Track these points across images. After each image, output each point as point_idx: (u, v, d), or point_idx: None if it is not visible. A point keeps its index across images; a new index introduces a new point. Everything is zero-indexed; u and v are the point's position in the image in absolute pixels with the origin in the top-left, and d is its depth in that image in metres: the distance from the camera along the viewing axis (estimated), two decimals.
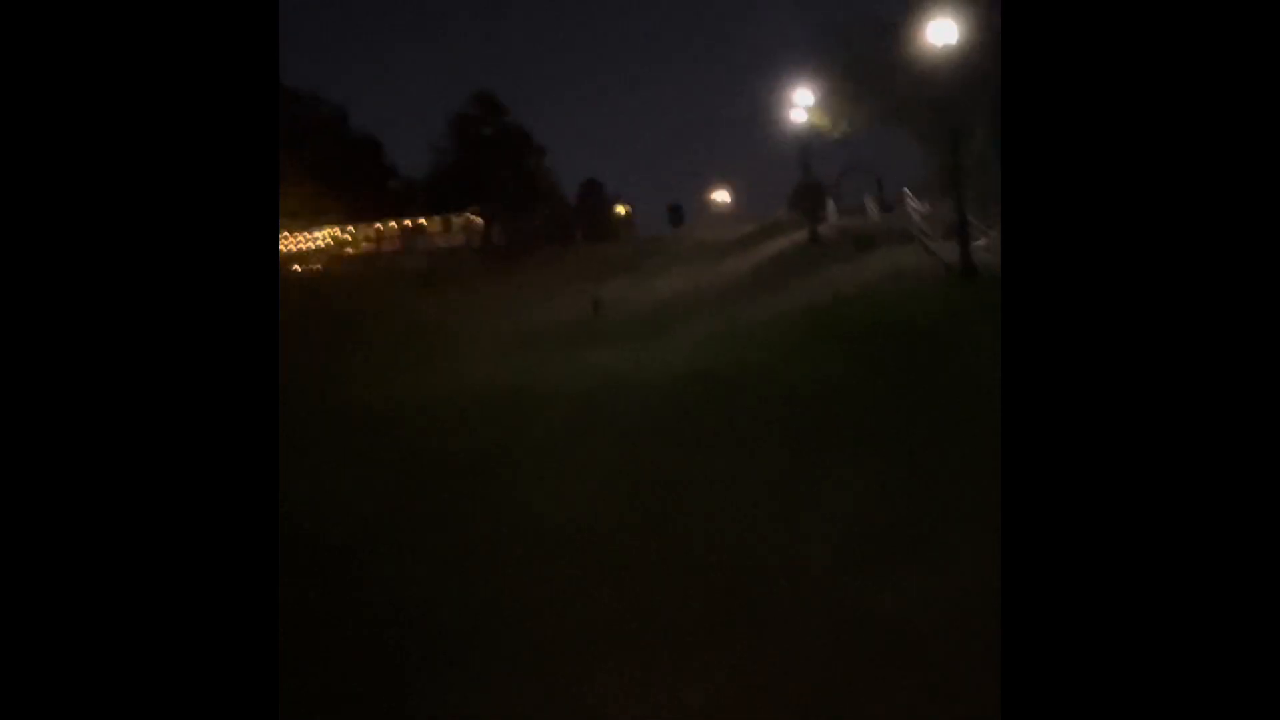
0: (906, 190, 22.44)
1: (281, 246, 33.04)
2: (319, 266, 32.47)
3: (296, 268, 32.01)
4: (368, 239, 34.13)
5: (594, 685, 3.55)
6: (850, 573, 4.29)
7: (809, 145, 23.17)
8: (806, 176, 24.73)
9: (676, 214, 43.47)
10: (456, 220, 34.20)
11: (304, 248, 33.48)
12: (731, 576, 4.37)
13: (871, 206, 26.32)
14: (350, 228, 33.93)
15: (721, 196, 43.86)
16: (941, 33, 13.15)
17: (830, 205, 27.23)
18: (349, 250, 33.71)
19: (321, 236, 33.75)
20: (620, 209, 48.25)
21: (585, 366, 11.67)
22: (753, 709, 3.32)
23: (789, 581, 4.23)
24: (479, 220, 35.03)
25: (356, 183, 36.38)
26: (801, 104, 22.80)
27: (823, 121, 23.67)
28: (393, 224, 34.52)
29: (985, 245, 14.84)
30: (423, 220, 34.58)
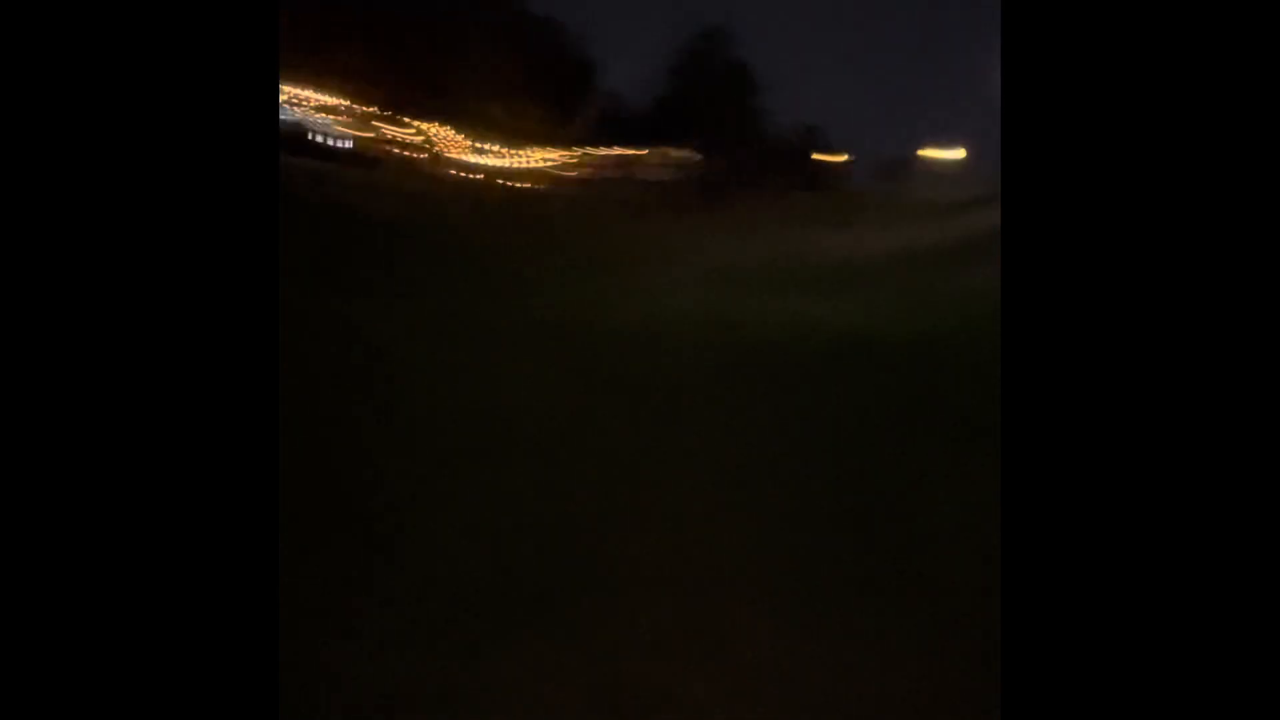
0: None
1: (490, 161, 34.66)
2: (528, 184, 33.61)
3: (502, 181, 33.26)
4: (583, 164, 35.03)
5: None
6: None
7: None
8: None
9: (900, 167, 41.09)
10: (675, 154, 34.28)
11: (514, 164, 34.81)
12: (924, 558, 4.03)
13: None
14: (564, 151, 34.87)
15: (954, 153, 40.87)
16: None
17: None
18: (564, 174, 34.76)
19: (533, 156, 34.96)
20: (839, 157, 46.49)
21: (782, 311, 11.40)
22: None
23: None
24: (696, 156, 34.92)
25: (586, 108, 37.33)
26: None
27: None
28: (614, 150, 35.14)
29: None
30: (642, 151, 34.94)
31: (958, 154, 40.14)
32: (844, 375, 7.80)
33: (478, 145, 35.21)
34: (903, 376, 7.73)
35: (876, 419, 6.33)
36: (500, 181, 33.35)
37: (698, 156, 34.58)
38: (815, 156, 45.83)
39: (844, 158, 46.72)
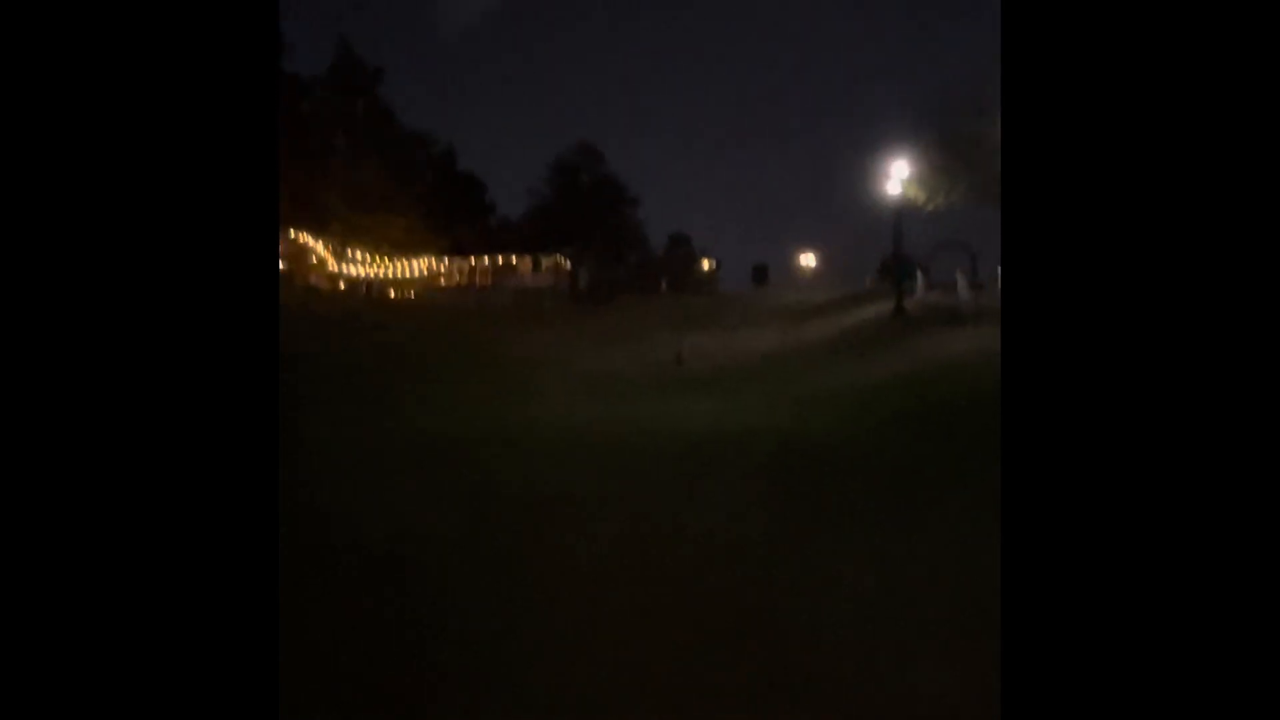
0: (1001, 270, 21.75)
1: (381, 272, 34.43)
2: (413, 293, 33.63)
3: (392, 292, 33.24)
4: (460, 272, 35.26)
5: None
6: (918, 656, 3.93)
7: (902, 217, 23.05)
8: (898, 248, 24.30)
9: (761, 273, 43.39)
10: (546, 261, 35.04)
11: (404, 275, 34.84)
12: (773, 643, 4.07)
13: (963, 283, 25.70)
14: (445, 260, 35.16)
15: (808, 260, 43.64)
16: None
17: (920, 278, 26.73)
18: (442, 281, 34.85)
19: (420, 265, 35.10)
20: (706, 263, 48.63)
21: (660, 416, 11.48)
22: None
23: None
24: (567, 263, 35.75)
25: (458, 218, 37.78)
26: (898, 176, 23.02)
27: (918, 194, 23.67)
28: (485, 260, 35.53)
29: None
30: (514, 258, 35.51)
31: (812, 260, 42.86)
32: (725, 474, 7.86)
33: (349, 256, 34.77)
34: (780, 474, 7.91)
35: (761, 516, 6.43)
36: (372, 292, 32.96)
37: (567, 264, 35.38)
38: (682, 263, 47.59)
39: (711, 264, 48.84)
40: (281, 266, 33.68)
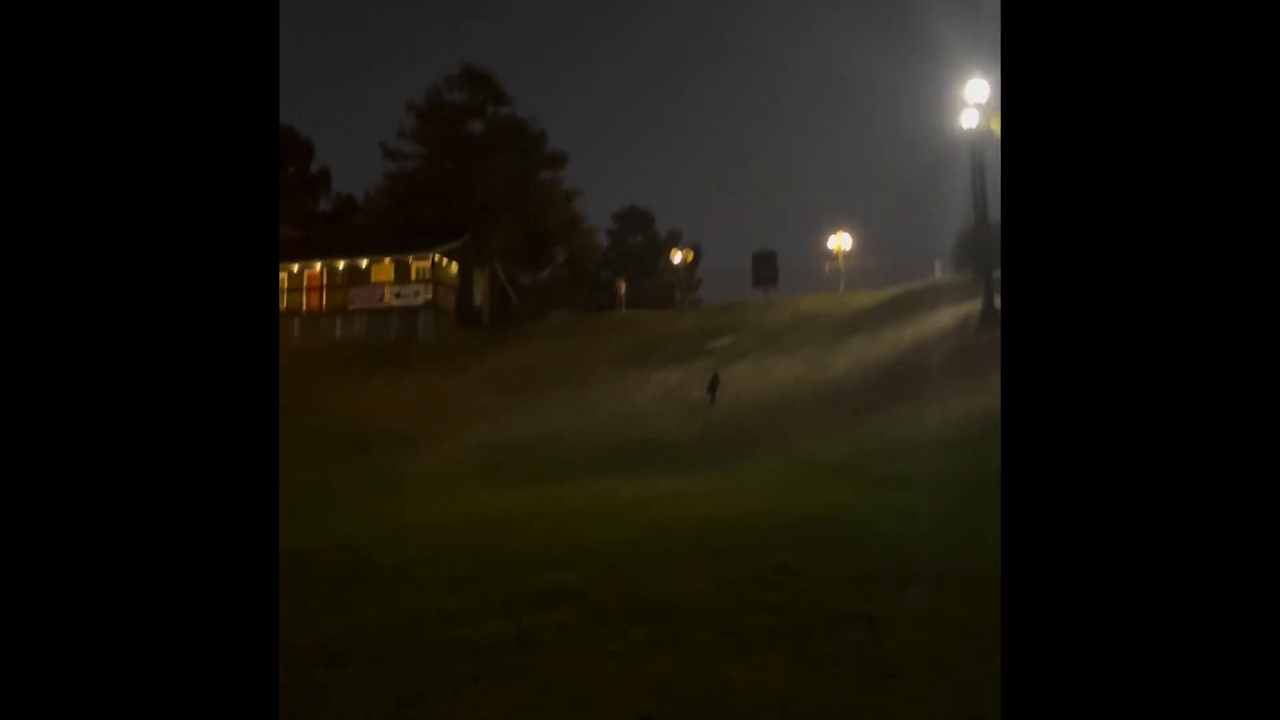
0: None
1: None
2: None
3: None
4: (303, 287, 33.35)
5: None
6: None
7: (985, 167, 22.53)
8: (980, 211, 23.15)
9: (766, 267, 41.75)
10: (417, 264, 33.00)
11: None
12: None
13: None
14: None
15: (841, 243, 42.20)
16: None
17: None
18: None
19: None
20: (678, 254, 47.29)
21: (619, 510, 11.07)
22: None
23: None
24: (451, 267, 33.80)
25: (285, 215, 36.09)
26: (974, 101, 22.27)
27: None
28: (317, 269, 33.58)
29: None
30: (363, 262, 33.48)
31: (844, 243, 41.54)
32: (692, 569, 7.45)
33: None
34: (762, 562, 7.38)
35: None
36: None
37: (452, 271, 33.60)
38: (641, 257, 46.54)
39: (688, 255, 47.48)
40: None
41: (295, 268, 33.67)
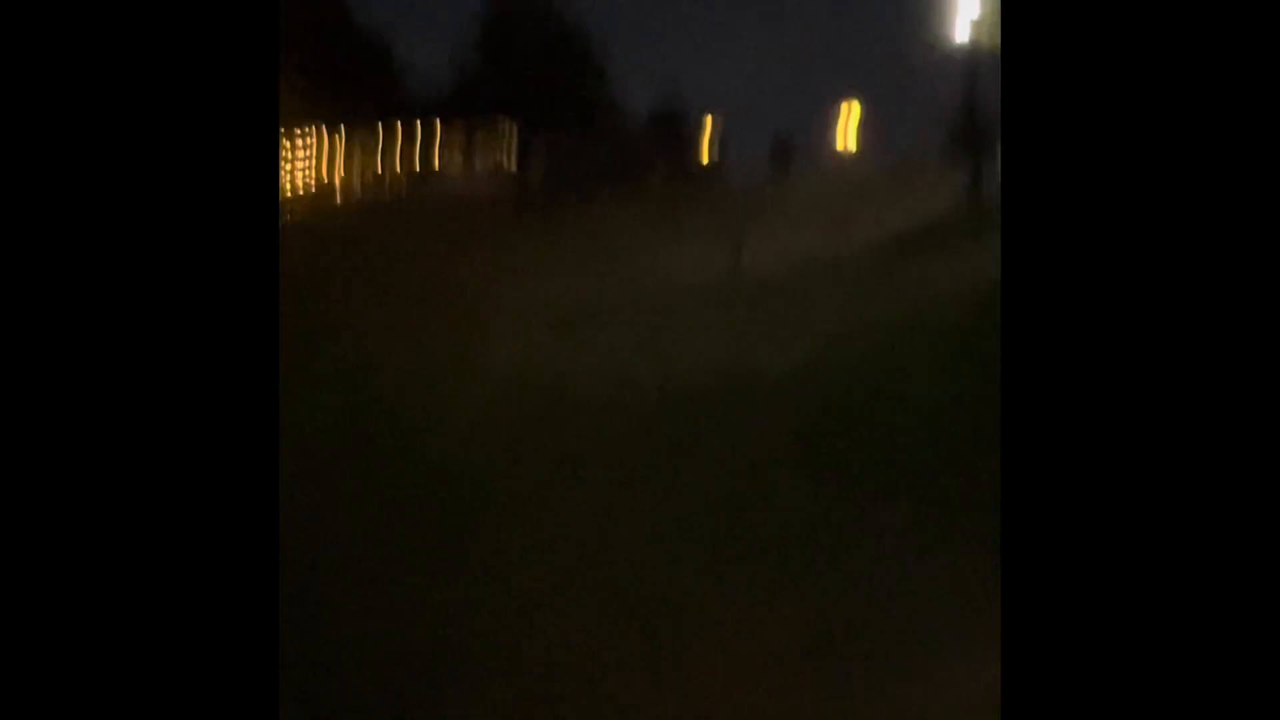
0: None
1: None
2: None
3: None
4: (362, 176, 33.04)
5: None
6: None
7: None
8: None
9: (787, 147, 42.16)
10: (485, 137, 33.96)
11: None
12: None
13: None
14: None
15: (851, 123, 42.47)
16: None
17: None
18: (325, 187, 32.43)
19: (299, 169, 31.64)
20: (704, 134, 45.85)
21: (655, 364, 11.58)
22: None
23: None
24: (514, 132, 34.53)
25: (357, 95, 34.76)
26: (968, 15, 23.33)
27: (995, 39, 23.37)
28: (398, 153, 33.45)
29: None
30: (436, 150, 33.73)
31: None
32: (733, 428, 8.86)
33: None
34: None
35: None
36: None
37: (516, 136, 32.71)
38: (676, 138, 45.86)
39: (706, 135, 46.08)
40: None
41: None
